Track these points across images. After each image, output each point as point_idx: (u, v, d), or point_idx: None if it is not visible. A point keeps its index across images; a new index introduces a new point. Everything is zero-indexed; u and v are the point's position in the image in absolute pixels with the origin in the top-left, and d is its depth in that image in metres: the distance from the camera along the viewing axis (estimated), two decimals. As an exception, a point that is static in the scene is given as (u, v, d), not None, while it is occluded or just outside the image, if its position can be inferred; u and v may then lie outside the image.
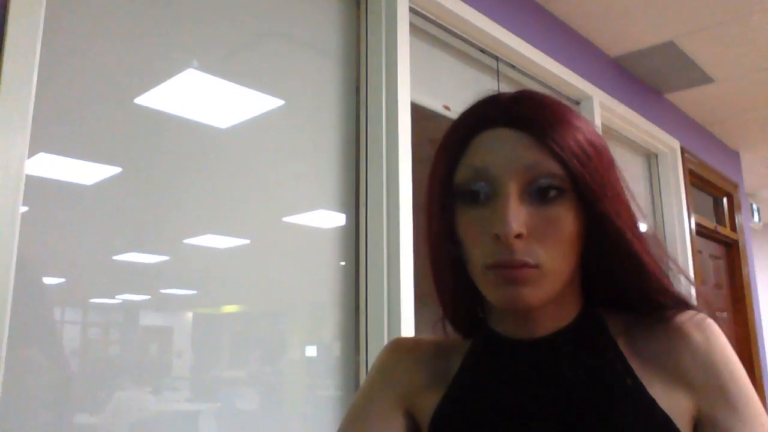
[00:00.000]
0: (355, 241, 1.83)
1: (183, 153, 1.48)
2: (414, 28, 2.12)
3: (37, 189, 1.22)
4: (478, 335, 0.73)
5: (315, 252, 1.73)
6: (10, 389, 1.11)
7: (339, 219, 1.81)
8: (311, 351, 1.69)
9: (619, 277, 0.66)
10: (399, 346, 0.78)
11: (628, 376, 0.63)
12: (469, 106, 0.68)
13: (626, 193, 0.66)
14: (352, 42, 1.96)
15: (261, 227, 1.62)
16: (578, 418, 0.62)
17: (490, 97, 0.67)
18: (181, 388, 1.41)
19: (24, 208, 1.17)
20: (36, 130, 1.19)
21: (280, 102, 1.71)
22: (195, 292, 1.46)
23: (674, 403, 0.62)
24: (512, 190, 0.60)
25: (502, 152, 0.62)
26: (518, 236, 0.59)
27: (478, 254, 0.62)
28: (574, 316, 0.68)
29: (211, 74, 1.56)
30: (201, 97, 1.53)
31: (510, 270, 0.59)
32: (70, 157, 1.29)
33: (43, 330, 1.21)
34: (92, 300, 1.29)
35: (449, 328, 0.75)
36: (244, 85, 1.63)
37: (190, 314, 1.46)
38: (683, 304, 0.67)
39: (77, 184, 1.30)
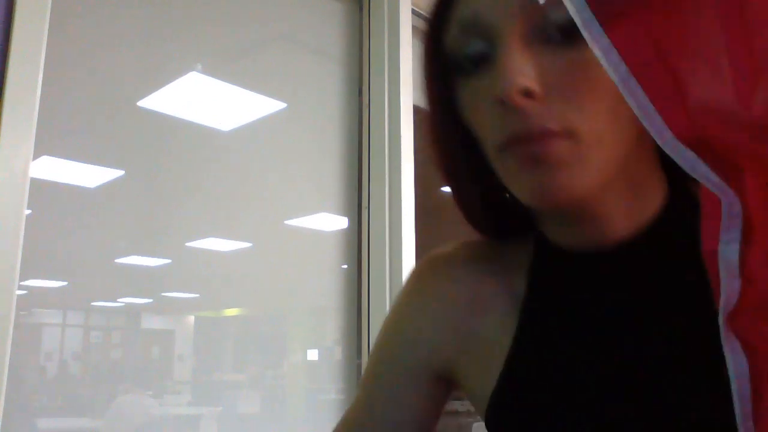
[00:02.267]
0: (357, 244, 1.83)
1: (185, 156, 1.48)
2: (416, 31, 2.12)
3: (41, 192, 1.22)
4: (528, 242, 0.54)
5: (317, 255, 1.73)
6: (13, 392, 1.11)
7: (341, 222, 1.81)
8: (313, 354, 1.69)
9: None
10: (430, 277, 0.58)
11: None
12: None
13: None
14: (354, 44, 1.96)
15: (263, 230, 1.62)
16: (674, 374, 0.44)
17: None
18: (183, 391, 1.41)
19: (28, 211, 1.17)
20: (40, 134, 1.19)
21: (282, 105, 1.71)
22: (197, 295, 1.46)
23: None
24: (514, 33, 0.43)
25: None
26: (528, 94, 0.41)
27: (487, 134, 0.46)
28: (659, 206, 0.48)
29: (214, 77, 1.56)
30: (204, 101, 1.53)
31: (528, 144, 0.42)
32: (74, 160, 1.29)
33: (46, 333, 1.21)
34: (95, 303, 1.29)
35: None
36: (247, 89, 1.63)
37: (192, 317, 1.46)
38: None
39: (80, 187, 1.29)
